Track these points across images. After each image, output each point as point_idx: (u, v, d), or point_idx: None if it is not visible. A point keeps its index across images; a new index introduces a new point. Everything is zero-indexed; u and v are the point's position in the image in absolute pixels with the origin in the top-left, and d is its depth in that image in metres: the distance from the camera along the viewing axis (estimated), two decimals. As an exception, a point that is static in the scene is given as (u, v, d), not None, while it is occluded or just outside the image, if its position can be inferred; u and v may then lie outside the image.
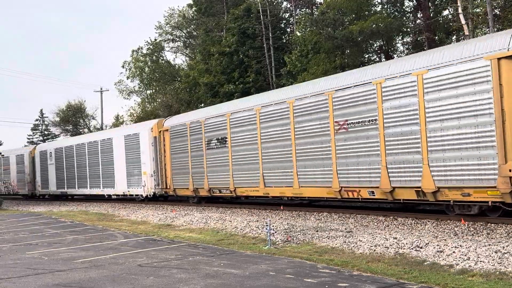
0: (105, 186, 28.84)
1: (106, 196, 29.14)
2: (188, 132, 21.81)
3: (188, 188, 21.88)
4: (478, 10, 25.35)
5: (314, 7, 39.38)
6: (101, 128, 55.80)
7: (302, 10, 40.96)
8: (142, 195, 25.41)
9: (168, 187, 23.52)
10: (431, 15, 30.86)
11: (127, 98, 58.69)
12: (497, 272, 7.56)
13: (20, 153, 39.62)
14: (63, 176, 33.43)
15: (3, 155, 41.02)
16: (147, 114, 47.52)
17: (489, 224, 11.57)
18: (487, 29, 23.61)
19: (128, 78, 54.32)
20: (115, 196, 28.40)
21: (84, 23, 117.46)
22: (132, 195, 26.45)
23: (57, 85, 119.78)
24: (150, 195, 24.88)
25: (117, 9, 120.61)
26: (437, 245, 9.33)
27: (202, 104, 39.78)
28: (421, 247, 9.45)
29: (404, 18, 33.09)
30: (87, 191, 30.68)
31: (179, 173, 22.62)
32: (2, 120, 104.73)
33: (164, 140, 23.73)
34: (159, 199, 26.67)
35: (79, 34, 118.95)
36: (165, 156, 23.65)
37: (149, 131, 24.70)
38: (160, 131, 24.10)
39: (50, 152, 35.13)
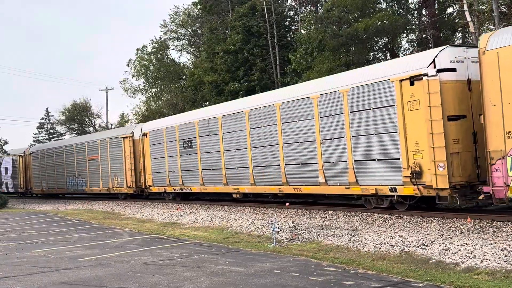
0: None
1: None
2: None
3: None
4: (483, 7, 25.24)
5: (318, 5, 39.29)
6: (107, 128, 55.75)
7: (307, 8, 40.88)
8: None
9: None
10: (436, 12, 30.75)
11: (132, 97, 58.85)
12: (503, 270, 7.53)
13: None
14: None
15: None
16: (152, 113, 47.58)
17: (495, 222, 11.54)
18: (493, 27, 23.48)
19: (133, 76, 54.45)
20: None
21: (90, 21, 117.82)
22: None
23: (62, 84, 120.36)
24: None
25: (123, 7, 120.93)
26: (443, 243, 9.31)
27: (208, 103, 39.76)
28: (427, 245, 9.43)
29: (409, 15, 33.00)
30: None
31: None
32: (7, 119, 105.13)
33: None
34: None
35: (84, 32, 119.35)
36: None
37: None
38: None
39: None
